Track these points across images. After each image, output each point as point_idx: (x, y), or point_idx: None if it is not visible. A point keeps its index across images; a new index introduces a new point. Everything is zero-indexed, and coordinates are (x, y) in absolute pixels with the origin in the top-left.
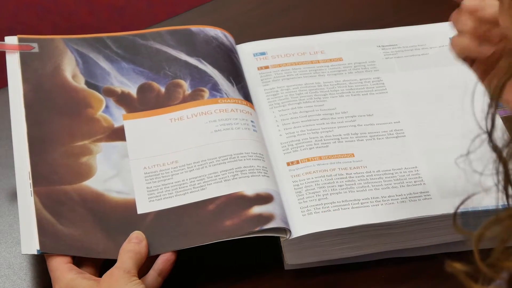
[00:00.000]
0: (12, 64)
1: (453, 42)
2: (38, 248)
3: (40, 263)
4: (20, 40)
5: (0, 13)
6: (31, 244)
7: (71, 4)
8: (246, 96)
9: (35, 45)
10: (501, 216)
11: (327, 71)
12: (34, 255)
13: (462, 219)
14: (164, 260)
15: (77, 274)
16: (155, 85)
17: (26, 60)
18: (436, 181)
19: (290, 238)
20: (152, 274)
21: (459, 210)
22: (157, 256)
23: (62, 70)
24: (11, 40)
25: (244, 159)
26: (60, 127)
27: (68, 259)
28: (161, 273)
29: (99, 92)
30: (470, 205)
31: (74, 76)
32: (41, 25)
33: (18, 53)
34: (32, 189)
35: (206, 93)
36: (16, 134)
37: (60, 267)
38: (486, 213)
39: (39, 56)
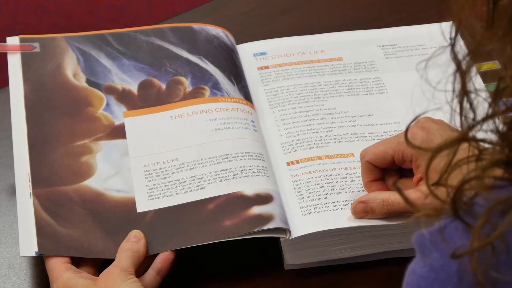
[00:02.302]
0: (13, 65)
1: None
2: (37, 250)
3: (40, 263)
4: (21, 40)
5: (0, 13)
6: (29, 246)
7: (71, 4)
8: (246, 96)
9: (36, 44)
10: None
11: (327, 70)
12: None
13: None
14: (163, 259)
15: (74, 273)
16: (156, 81)
17: (27, 61)
18: None
19: (290, 238)
20: (151, 273)
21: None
22: (156, 255)
23: (63, 69)
24: (13, 40)
25: (244, 159)
26: (61, 127)
27: (66, 259)
28: (160, 272)
29: (100, 90)
30: None
31: (75, 75)
32: (41, 25)
33: (20, 53)
34: (31, 191)
35: (207, 91)
36: (16, 136)
37: (58, 266)
38: None
39: (41, 55)
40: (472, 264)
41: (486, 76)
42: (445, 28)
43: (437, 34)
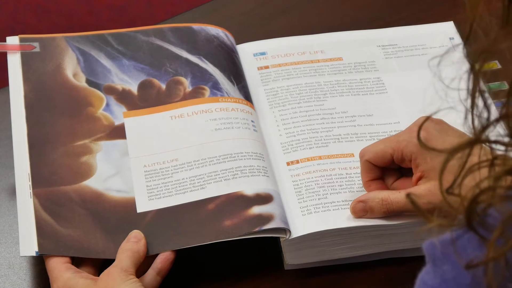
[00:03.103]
0: (13, 64)
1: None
2: (37, 250)
3: (39, 263)
4: (21, 40)
5: (0, 13)
6: (29, 245)
7: (71, 4)
8: (246, 96)
9: (36, 44)
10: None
11: (327, 70)
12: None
13: None
14: (163, 259)
15: (74, 273)
16: (156, 81)
17: (27, 60)
18: None
19: (290, 238)
20: (151, 273)
21: None
22: (156, 255)
23: (63, 69)
24: (13, 40)
25: (244, 159)
26: (61, 127)
27: (66, 259)
28: (160, 272)
29: (100, 90)
30: None
31: (75, 75)
32: (41, 25)
33: (19, 53)
34: (31, 190)
35: (207, 92)
36: (16, 135)
37: (58, 266)
38: None
39: (40, 55)
40: (487, 276)
41: (486, 76)
42: (446, 28)
43: (437, 34)
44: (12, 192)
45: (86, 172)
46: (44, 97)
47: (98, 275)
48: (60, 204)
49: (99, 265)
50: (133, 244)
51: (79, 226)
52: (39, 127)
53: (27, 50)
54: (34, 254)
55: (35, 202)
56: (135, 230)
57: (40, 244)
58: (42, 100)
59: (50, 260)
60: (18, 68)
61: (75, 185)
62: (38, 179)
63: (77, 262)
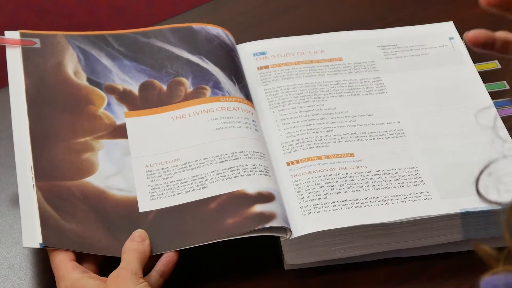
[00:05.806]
0: (13, 58)
1: None
2: (41, 242)
3: (40, 263)
4: (22, 35)
5: (0, 13)
6: (34, 237)
7: (71, 4)
8: (247, 95)
9: (37, 40)
10: None
11: (327, 70)
12: (34, 254)
13: (462, 219)
14: (166, 262)
15: (83, 273)
16: (157, 83)
17: (28, 55)
18: (436, 181)
19: (290, 238)
20: (154, 275)
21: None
22: (156, 255)
23: (64, 66)
24: (13, 35)
25: (246, 158)
26: (62, 123)
27: (71, 256)
28: (163, 274)
29: (101, 89)
30: (469, 206)
31: (76, 73)
32: (41, 24)
33: (20, 48)
34: (34, 183)
35: (208, 91)
36: (17, 129)
37: (64, 265)
38: (486, 213)
39: (41, 51)
40: None
41: (486, 76)
42: (447, 28)
43: (437, 34)
44: (12, 192)
45: (88, 169)
46: (45, 93)
47: (99, 273)
48: (62, 199)
49: (99, 263)
50: (138, 244)
51: (82, 221)
52: (41, 121)
53: (28, 45)
54: (38, 246)
55: (39, 194)
56: (139, 230)
57: (44, 236)
58: (43, 96)
59: (56, 257)
60: (19, 62)
61: (77, 181)
62: (40, 172)
63: (78, 258)
